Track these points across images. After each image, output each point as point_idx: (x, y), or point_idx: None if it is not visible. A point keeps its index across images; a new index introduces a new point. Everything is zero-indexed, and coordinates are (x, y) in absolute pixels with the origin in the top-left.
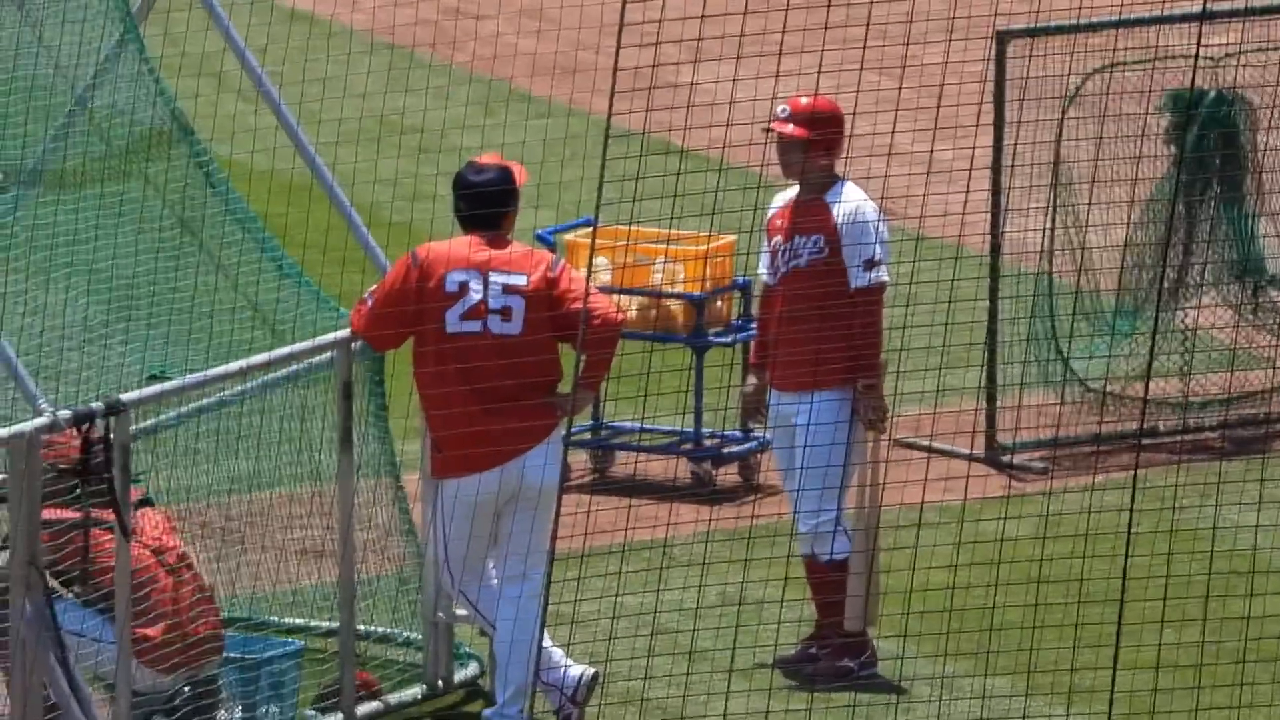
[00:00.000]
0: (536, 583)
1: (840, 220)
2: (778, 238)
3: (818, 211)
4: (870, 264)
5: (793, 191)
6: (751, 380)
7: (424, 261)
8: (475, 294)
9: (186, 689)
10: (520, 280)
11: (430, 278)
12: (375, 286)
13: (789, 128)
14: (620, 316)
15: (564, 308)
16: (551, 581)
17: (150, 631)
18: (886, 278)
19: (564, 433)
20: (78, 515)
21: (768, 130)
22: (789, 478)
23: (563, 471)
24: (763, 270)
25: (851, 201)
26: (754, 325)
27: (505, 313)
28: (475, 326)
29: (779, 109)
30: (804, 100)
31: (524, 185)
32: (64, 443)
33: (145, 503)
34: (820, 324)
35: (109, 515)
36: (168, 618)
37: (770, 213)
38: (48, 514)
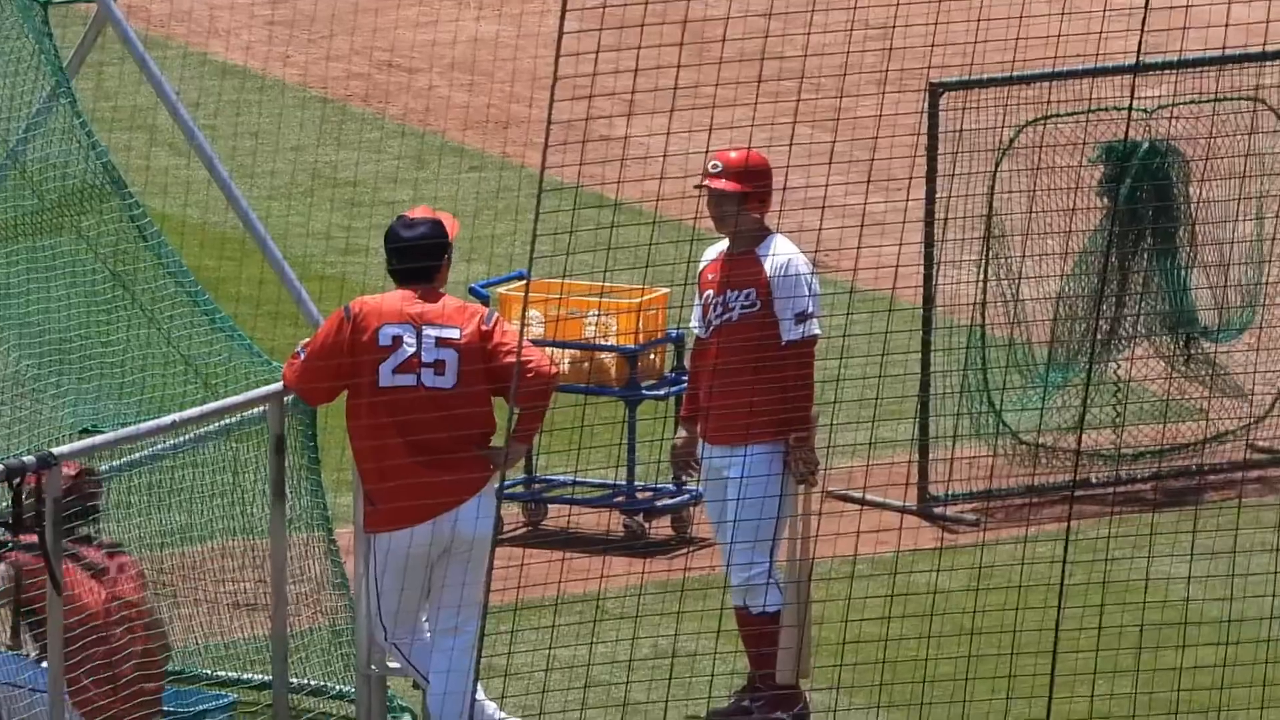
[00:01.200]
0: (470, 635)
1: (771, 274)
2: (709, 291)
3: (749, 265)
4: (802, 317)
5: (724, 244)
6: (682, 433)
7: (357, 315)
8: (409, 348)
9: None
10: (454, 333)
11: (363, 331)
12: (308, 340)
13: (721, 182)
14: (554, 369)
15: (498, 361)
16: (485, 634)
17: (92, 685)
18: (818, 330)
19: (497, 485)
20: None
21: (699, 188)
22: (721, 530)
23: (496, 524)
24: (694, 323)
25: (783, 255)
26: (686, 378)
27: (438, 366)
28: (409, 380)
29: (710, 164)
30: (734, 154)
31: (457, 238)
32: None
33: (117, 548)
34: (752, 377)
35: (85, 555)
36: (113, 673)
37: (702, 265)
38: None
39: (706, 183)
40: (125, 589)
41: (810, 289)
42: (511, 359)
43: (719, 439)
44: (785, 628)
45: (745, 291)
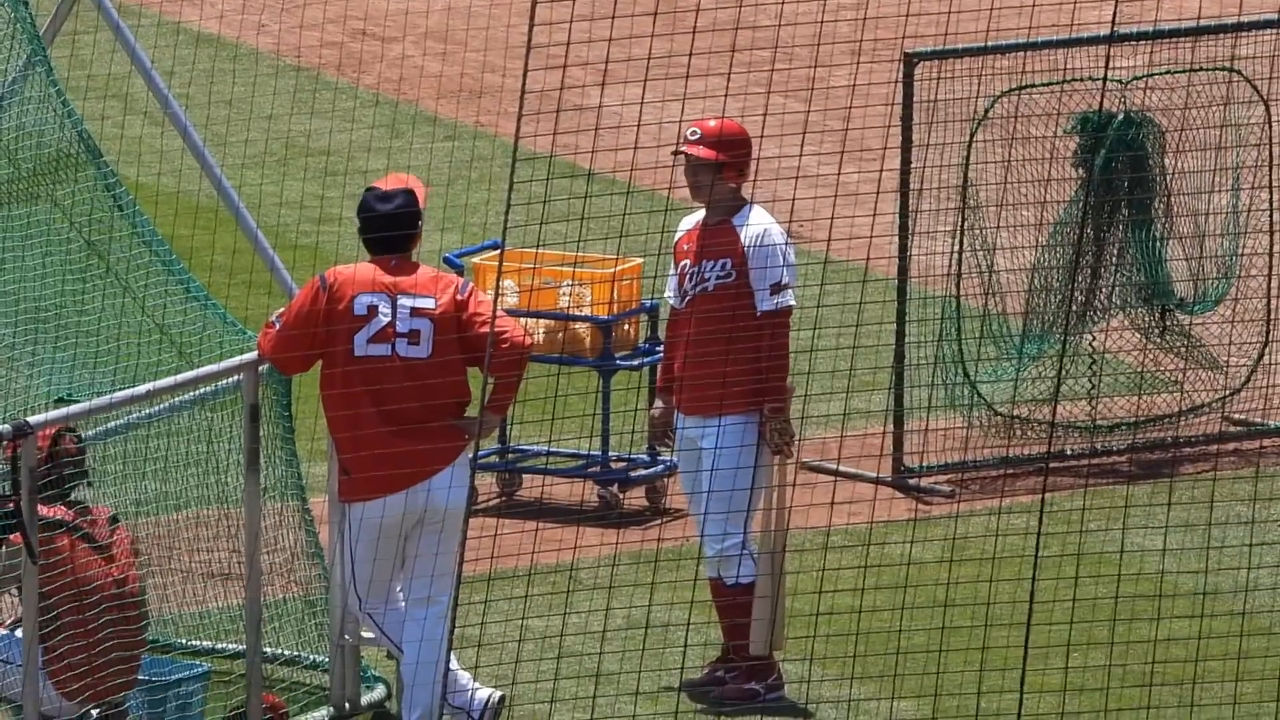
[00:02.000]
0: (443, 605)
1: (747, 244)
2: (685, 261)
3: (725, 235)
4: (777, 288)
5: (700, 215)
6: (658, 404)
7: (332, 284)
8: (384, 317)
9: (94, 712)
10: (428, 303)
11: (338, 301)
12: (283, 309)
13: (699, 150)
14: (528, 339)
15: (472, 331)
16: (458, 604)
17: (68, 654)
18: (793, 301)
19: (471, 455)
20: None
21: (677, 154)
22: (695, 501)
23: (469, 494)
24: (670, 294)
25: (758, 225)
26: (661, 348)
27: (413, 336)
28: (383, 350)
29: (688, 131)
30: (712, 123)
31: (426, 205)
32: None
33: (114, 520)
34: (727, 348)
35: (88, 526)
36: (88, 640)
37: (677, 236)
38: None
39: (684, 149)
40: (126, 568)
41: (786, 260)
42: (486, 329)
43: (694, 410)
44: (758, 599)
45: (720, 262)
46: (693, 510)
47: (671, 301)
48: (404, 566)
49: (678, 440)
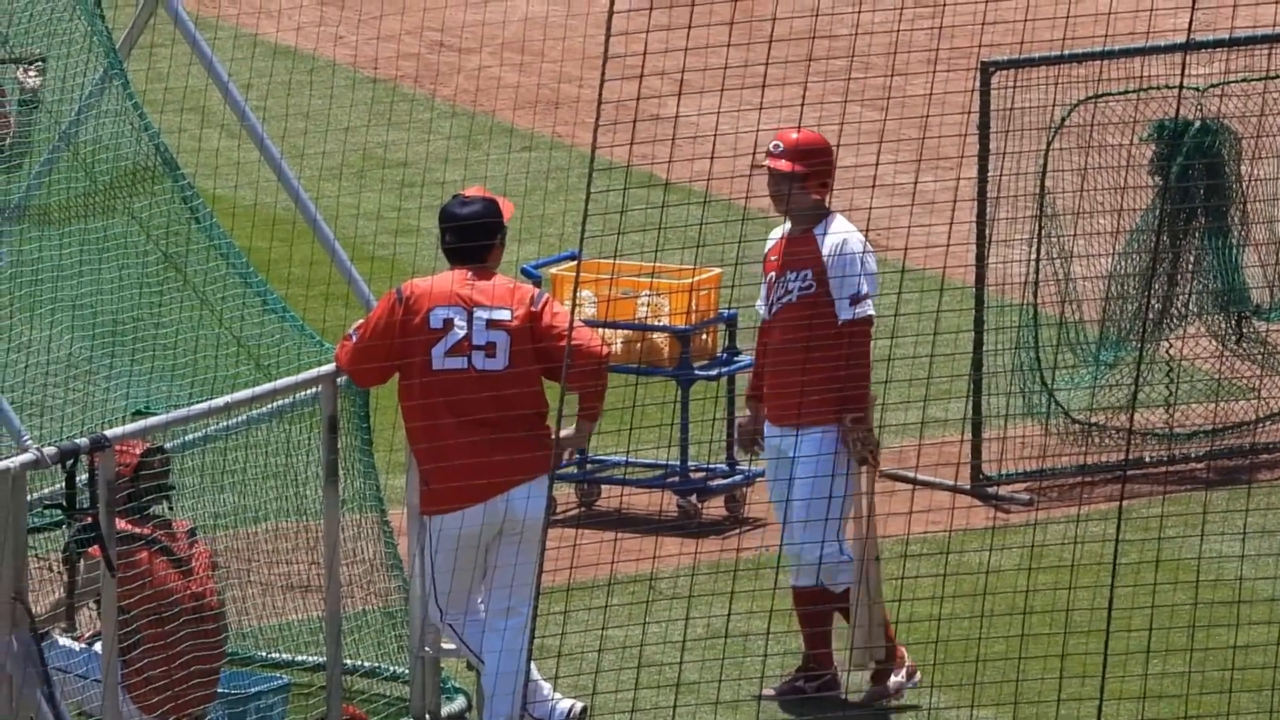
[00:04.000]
0: (523, 616)
1: (827, 254)
2: (772, 272)
3: (807, 245)
4: (856, 298)
5: (789, 226)
6: (747, 412)
7: (408, 298)
8: (460, 330)
9: None
10: (504, 315)
11: (415, 314)
12: (360, 321)
13: (781, 162)
14: (605, 349)
15: (548, 342)
16: (538, 615)
17: (148, 668)
18: (873, 311)
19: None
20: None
21: (757, 166)
22: (785, 510)
23: (549, 505)
24: (759, 304)
25: (838, 235)
26: (739, 358)
27: (489, 349)
28: (460, 363)
29: (770, 144)
30: (794, 135)
31: (509, 220)
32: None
33: (193, 534)
34: (810, 358)
35: (168, 539)
36: (170, 654)
37: (767, 247)
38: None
39: (766, 163)
40: (204, 582)
41: (865, 269)
42: (562, 340)
43: (781, 419)
44: (860, 607)
45: (802, 272)
46: (782, 518)
47: (761, 312)
48: (484, 577)
49: (767, 449)
